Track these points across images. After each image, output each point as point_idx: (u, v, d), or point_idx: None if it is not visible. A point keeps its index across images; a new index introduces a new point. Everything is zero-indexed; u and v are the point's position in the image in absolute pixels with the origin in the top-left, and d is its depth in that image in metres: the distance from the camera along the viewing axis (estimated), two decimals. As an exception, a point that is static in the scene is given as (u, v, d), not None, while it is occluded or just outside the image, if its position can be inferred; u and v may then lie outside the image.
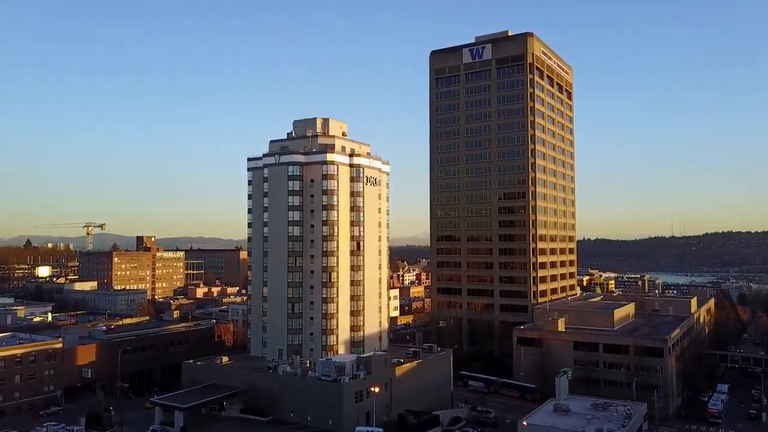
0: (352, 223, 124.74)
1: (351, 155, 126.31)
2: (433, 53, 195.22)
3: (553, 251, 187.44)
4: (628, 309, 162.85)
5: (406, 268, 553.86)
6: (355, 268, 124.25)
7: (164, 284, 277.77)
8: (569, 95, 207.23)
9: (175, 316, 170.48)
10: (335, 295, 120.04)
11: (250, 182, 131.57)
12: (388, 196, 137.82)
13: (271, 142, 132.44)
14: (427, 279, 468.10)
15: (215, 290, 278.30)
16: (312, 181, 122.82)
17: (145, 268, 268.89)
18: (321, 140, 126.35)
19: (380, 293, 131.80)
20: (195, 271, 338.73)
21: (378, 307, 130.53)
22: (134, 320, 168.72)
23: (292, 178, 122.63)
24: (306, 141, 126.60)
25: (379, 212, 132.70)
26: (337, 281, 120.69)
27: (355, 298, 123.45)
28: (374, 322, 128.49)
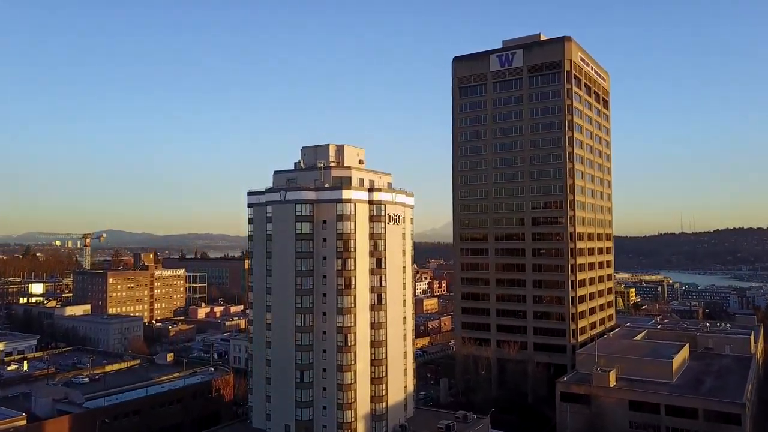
0: (372, 272, 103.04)
1: (370, 190, 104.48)
2: (456, 60, 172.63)
3: (592, 281, 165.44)
4: (684, 353, 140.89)
5: (417, 275, 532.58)
6: (375, 325, 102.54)
7: (163, 304, 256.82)
8: (606, 104, 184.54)
9: (169, 359, 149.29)
10: (352, 361, 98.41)
11: (250, 220, 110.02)
12: (413, 234, 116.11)
13: (276, 173, 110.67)
14: (439, 288, 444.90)
15: (218, 310, 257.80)
16: (324, 222, 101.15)
17: (142, 288, 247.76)
18: (335, 172, 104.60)
19: (405, 351, 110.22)
20: (198, 284, 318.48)
21: (403, 368, 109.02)
22: (123, 365, 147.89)
23: (301, 219, 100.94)
24: (316, 173, 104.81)
25: (403, 255, 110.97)
26: (355, 344, 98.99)
27: (376, 362, 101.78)
28: (398, 388, 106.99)
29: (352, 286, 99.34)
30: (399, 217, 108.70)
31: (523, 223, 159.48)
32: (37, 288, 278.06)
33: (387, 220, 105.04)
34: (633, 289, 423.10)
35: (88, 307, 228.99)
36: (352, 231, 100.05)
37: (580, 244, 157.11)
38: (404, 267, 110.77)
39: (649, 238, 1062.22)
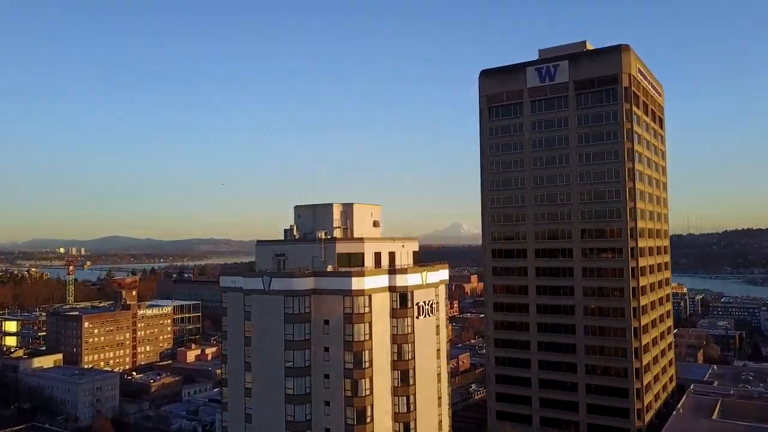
0: (396, 391, 70.97)
1: (392, 271, 72.33)
2: (484, 74, 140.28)
3: (655, 342, 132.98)
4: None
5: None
6: (402, 469, 70.50)
7: (148, 347, 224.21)
8: (661, 124, 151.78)
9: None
10: None
11: (225, 310, 78.12)
12: (450, 319, 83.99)
13: (259, 244, 78.56)
14: (451, 309, 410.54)
15: (210, 352, 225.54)
16: (326, 323, 69.14)
17: (123, 330, 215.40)
18: (341, 247, 72.41)
19: (441, 494, 78.05)
20: (191, 314, 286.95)
21: None
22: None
23: (293, 320, 68.92)
24: (315, 247, 72.70)
25: (438, 357, 78.77)
26: (373, 504, 67.00)
27: None
28: None
29: (368, 419, 67.17)
30: (431, 305, 76.50)
31: (572, 274, 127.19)
32: (10, 326, 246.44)
33: (416, 313, 72.93)
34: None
35: (59, 356, 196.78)
36: (366, 336, 67.90)
37: (643, 300, 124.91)
38: (439, 372, 78.48)
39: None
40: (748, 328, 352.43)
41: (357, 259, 71.48)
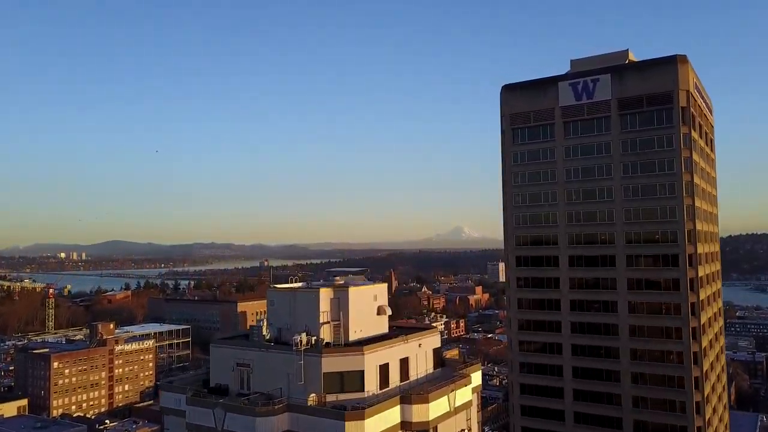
0: None
1: (405, 399, 48.52)
2: (507, 90, 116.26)
3: (713, 389, 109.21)
4: None
5: (429, 301, 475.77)
6: None
7: (127, 386, 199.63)
8: (712, 146, 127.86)
9: None
10: None
11: (166, 439, 54.31)
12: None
13: (215, 345, 54.90)
14: (457, 328, 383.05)
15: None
16: (308, 486, 45.32)
17: (99, 369, 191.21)
18: (329, 362, 48.57)
19: None
20: (181, 340, 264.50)
21: None
22: None
23: (257, 480, 45.19)
24: (292, 358, 48.95)
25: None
26: None
27: None
28: None
29: None
30: (462, 438, 52.71)
31: (617, 332, 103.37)
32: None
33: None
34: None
35: (24, 402, 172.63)
36: None
37: (705, 364, 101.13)
38: None
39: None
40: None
41: (353, 380, 47.81)
